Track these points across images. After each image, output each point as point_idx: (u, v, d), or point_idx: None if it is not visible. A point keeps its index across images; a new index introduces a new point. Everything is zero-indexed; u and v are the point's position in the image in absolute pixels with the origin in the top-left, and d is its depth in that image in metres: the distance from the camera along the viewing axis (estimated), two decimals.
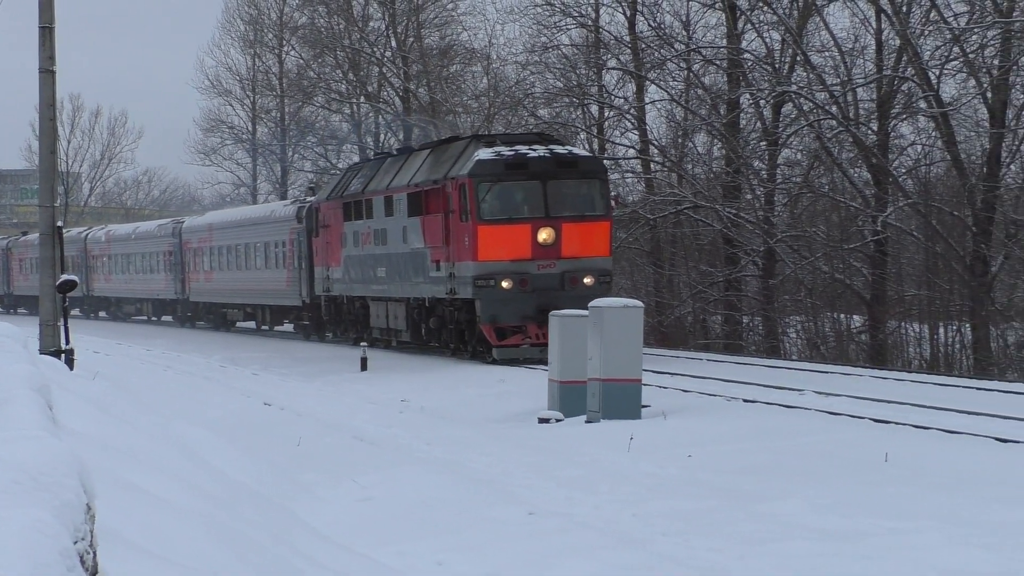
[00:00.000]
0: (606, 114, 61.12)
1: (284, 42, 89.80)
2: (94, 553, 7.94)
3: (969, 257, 47.05)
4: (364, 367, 43.66)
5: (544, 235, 40.60)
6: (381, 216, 48.79)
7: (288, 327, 66.97)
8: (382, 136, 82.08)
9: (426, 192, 44.30)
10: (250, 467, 18.99)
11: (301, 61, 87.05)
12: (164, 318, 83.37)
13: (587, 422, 27.61)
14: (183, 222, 78.20)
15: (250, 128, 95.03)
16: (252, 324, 71.24)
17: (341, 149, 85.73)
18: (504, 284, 40.14)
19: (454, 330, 43.60)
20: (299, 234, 59.31)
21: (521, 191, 41.53)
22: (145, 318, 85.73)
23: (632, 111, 59.11)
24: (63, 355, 28.14)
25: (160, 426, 20.11)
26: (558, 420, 28.18)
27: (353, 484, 20.01)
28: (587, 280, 40.38)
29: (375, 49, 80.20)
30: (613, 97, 60.51)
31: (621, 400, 27.84)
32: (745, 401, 29.97)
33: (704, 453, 23.00)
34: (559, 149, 42.94)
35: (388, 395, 35.01)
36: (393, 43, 79.58)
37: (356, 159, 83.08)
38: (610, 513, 17.93)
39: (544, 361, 33.45)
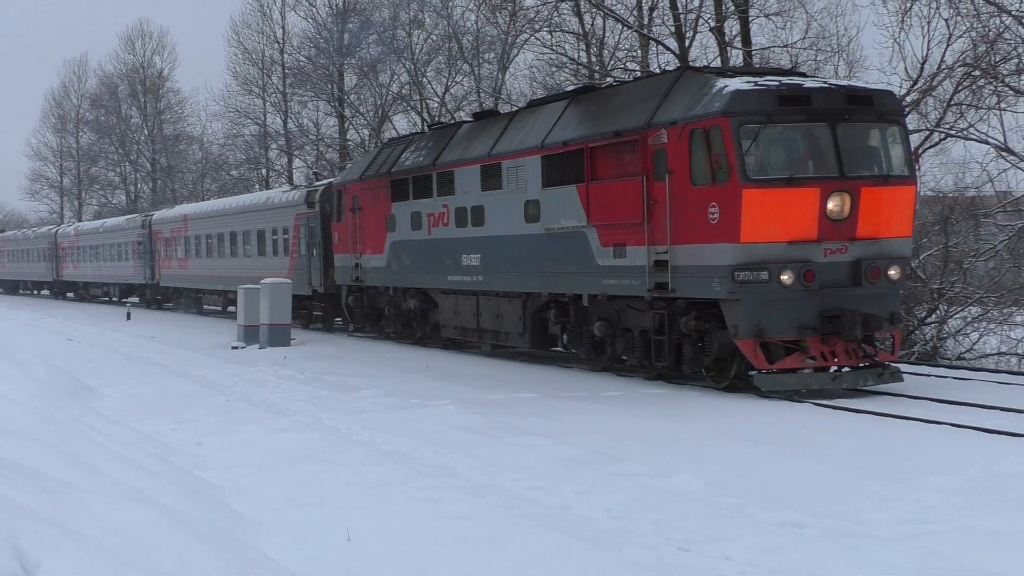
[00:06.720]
0: (270, 175, 60.12)
1: (79, 129, 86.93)
2: None
3: None
4: (128, 318, 41.92)
5: (835, 204, 16.18)
6: (474, 190, 22.81)
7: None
8: (138, 185, 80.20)
9: (592, 150, 18.96)
10: (59, 377, 18.19)
11: (90, 140, 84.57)
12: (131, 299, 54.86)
13: (259, 348, 27.21)
14: (152, 215, 52.50)
15: (60, 179, 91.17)
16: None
17: (114, 192, 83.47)
18: (784, 278, 15.95)
19: (664, 344, 17.89)
20: (308, 220, 33.32)
21: (804, 139, 16.59)
22: (108, 299, 58.84)
23: (285, 174, 58.49)
24: None
25: (1, 354, 19.08)
26: (243, 347, 27.72)
27: (122, 385, 19.47)
28: (892, 272, 16.58)
29: (136, 135, 78.96)
30: (274, 164, 59.87)
31: (278, 335, 27.60)
32: (348, 335, 29.99)
33: (328, 365, 22.90)
34: (837, 81, 19.58)
35: (144, 334, 33.78)
36: (146, 131, 78.34)
37: (123, 198, 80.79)
38: (273, 399, 17.75)
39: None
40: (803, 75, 18.52)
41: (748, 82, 16.65)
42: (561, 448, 12.63)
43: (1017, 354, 25.44)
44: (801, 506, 9.69)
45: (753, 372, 16.47)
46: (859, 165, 16.62)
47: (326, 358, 24.27)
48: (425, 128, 32.20)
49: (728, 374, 17.12)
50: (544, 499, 10.11)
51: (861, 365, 16.41)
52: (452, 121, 29.24)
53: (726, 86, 16.60)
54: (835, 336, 16.19)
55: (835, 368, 16.38)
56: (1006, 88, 25.15)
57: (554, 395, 17.22)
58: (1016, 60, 25.27)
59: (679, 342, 17.77)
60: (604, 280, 18.87)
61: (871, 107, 16.80)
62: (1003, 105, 25.31)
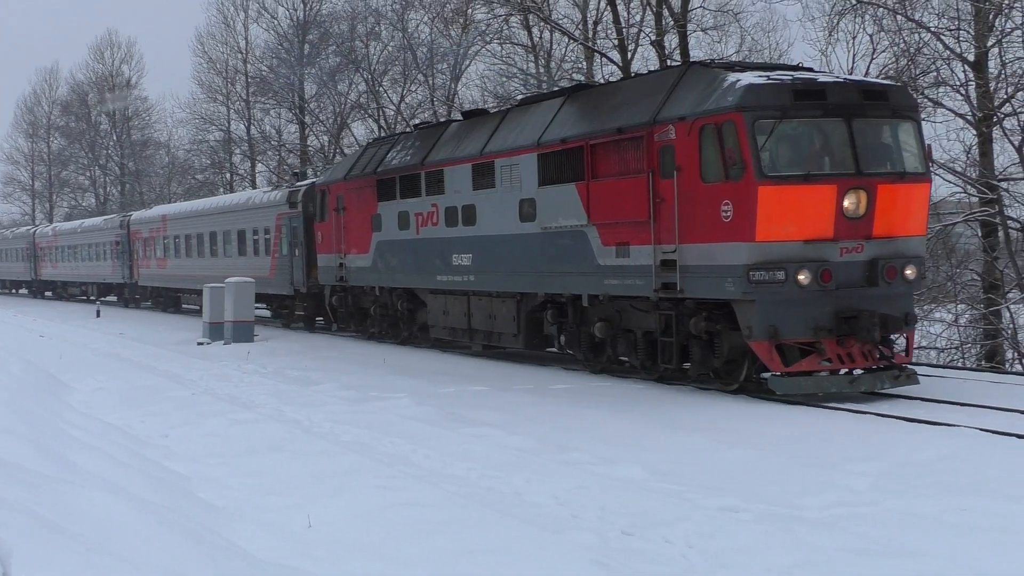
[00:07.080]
0: (234, 179, 59.67)
1: (50, 134, 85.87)
2: None
3: None
4: (98, 315, 41.37)
5: (851, 202, 14.60)
6: (466, 189, 20.97)
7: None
8: (107, 188, 79.25)
9: (593, 147, 17.22)
10: (32, 371, 17.95)
11: (61, 145, 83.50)
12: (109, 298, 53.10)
13: (224, 344, 27.02)
14: (131, 215, 49.32)
15: (31, 183, 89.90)
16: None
17: (84, 195, 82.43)
18: (801, 278, 14.36)
19: (670, 346, 16.43)
20: (290, 220, 30.99)
21: (819, 134, 14.84)
22: (86, 298, 56.00)
23: (247, 179, 58.05)
24: None
25: None
26: (208, 343, 27.50)
27: (93, 380, 19.23)
28: (908, 272, 15.07)
29: (105, 141, 78.16)
30: (238, 169, 59.47)
31: (242, 332, 27.40)
32: (310, 332, 29.79)
33: (290, 360, 22.76)
34: (848, 75, 17.97)
35: (114, 331, 33.42)
36: (114, 137, 77.55)
37: (92, 200, 79.85)
38: (237, 391, 17.61)
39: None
40: (811, 69, 16.60)
41: (760, 76, 14.97)
42: (512, 438, 12.64)
43: (936, 348, 25.75)
44: (738, 492, 9.76)
45: (767, 375, 14.86)
46: (875, 162, 15.01)
47: (289, 354, 24.13)
48: (401, 129, 32.05)
49: (738, 377, 15.59)
50: (496, 487, 10.12)
51: (875, 367, 14.90)
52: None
53: (739, 80, 14.89)
54: (851, 337, 14.64)
55: (846, 370, 14.99)
56: (925, 99, 25.49)
57: (505, 388, 17.23)
58: (934, 73, 25.61)
59: (684, 343, 16.21)
60: (606, 280, 17.18)
61: (886, 102, 15.15)
62: (923, 116, 25.69)
